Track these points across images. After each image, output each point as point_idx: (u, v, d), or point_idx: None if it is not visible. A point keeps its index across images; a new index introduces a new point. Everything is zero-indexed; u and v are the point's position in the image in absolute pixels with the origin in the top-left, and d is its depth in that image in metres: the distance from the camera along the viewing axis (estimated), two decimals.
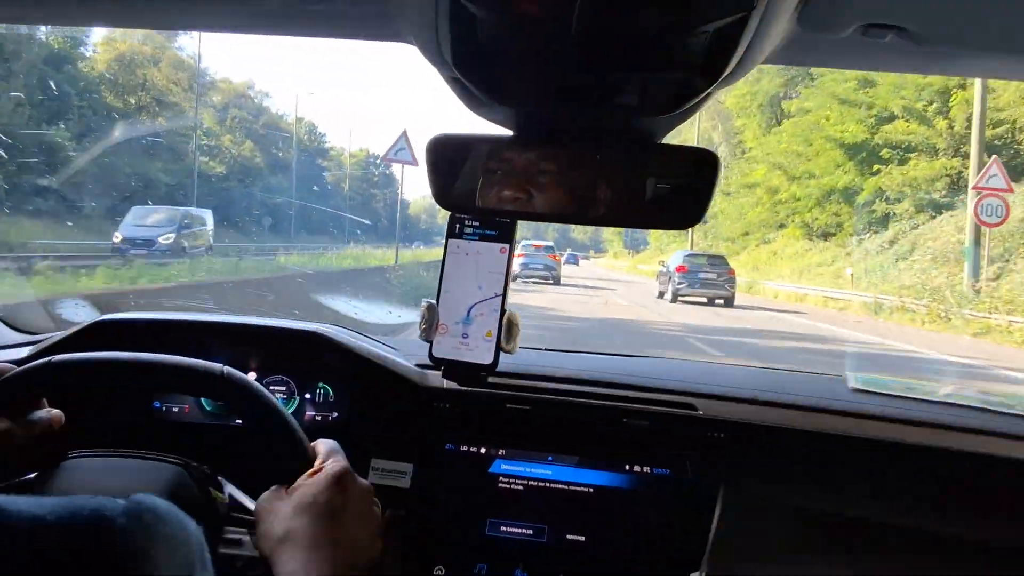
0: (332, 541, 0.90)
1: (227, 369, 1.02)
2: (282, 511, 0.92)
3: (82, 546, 0.43)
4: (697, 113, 0.94)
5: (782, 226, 32.66)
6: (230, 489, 1.11)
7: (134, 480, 1.05)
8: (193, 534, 0.49)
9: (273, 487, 0.97)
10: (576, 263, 56.25)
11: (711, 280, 21.24)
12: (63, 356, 1.02)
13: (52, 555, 0.42)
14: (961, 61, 0.85)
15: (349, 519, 0.94)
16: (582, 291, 23.88)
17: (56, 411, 1.06)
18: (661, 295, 22.33)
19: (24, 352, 1.57)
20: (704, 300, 21.02)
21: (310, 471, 0.97)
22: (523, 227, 1.48)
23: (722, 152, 38.07)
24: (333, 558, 0.89)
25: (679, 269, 21.31)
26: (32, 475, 1.05)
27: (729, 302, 21.03)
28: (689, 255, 23.07)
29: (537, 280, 24.78)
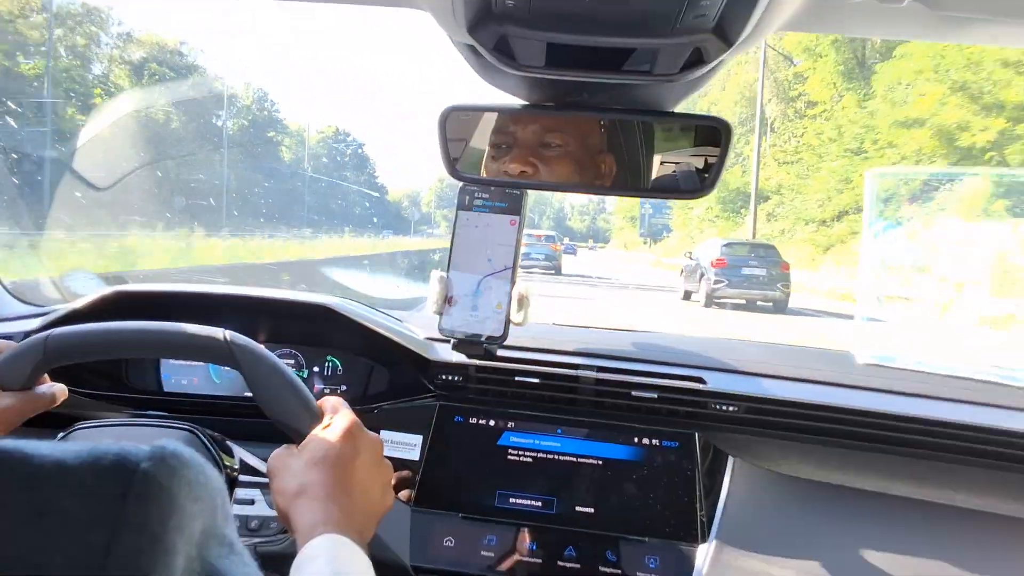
0: (346, 491, 0.91)
1: (230, 333, 1.02)
2: (295, 466, 0.92)
3: (107, 488, 0.43)
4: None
5: None
6: (240, 453, 1.12)
7: (144, 443, 1.05)
8: (215, 481, 0.50)
9: (283, 445, 0.97)
10: (574, 253, 55.14)
11: (759, 278, 16.76)
12: (60, 330, 1.01)
13: (77, 495, 0.42)
14: (978, 27, 0.84)
15: (361, 470, 0.95)
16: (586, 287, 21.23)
17: (60, 385, 1.06)
18: (688, 295, 18.48)
19: (34, 324, 1.58)
20: (743, 302, 17.03)
21: (320, 426, 0.98)
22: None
23: (774, 110, 35.90)
24: (349, 508, 0.90)
25: (717, 264, 16.93)
26: None
27: (781, 306, 16.83)
28: (729, 244, 18.32)
29: (539, 270, 24.45)
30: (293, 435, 0.97)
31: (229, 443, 1.13)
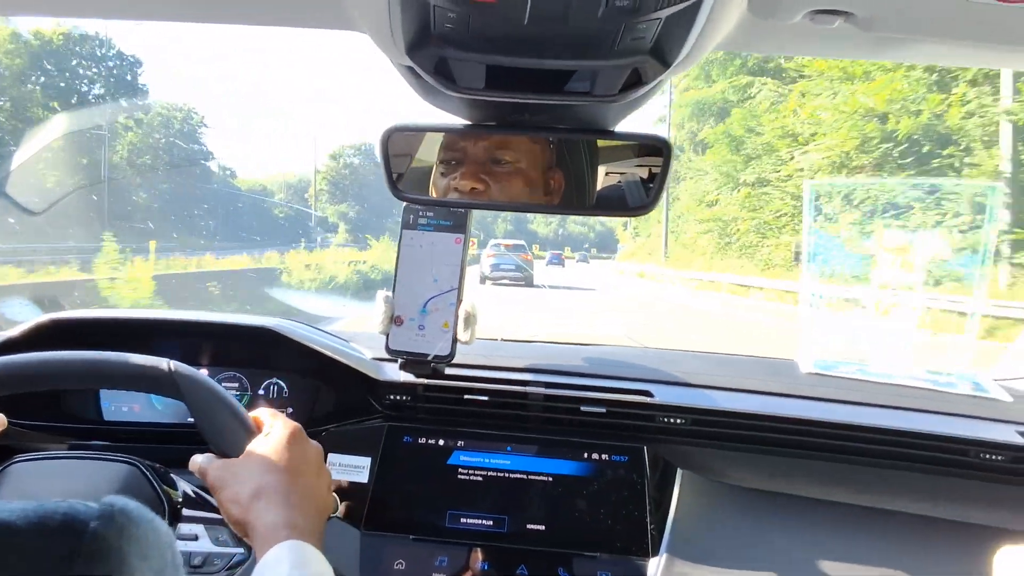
0: (300, 493, 0.93)
1: (174, 363, 1.00)
2: (245, 472, 0.93)
3: (55, 550, 0.42)
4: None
5: None
6: (183, 486, 1.09)
7: (86, 481, 1.02)
8: (165, 535, 0.49)
9: (218, 460, 0.97)
10: (560, 263, 48.96)
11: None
12: (2, 358, 0.98)
13: (25, 558, 0.41)
14: (908, 47, 0.87)
15: (309, 473, 0.97)
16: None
17: None
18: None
19: None
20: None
21: (261, 436, 0.99)
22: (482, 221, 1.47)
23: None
24: (305, 510, 0.91)
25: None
26: None
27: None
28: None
29: (508, 281, 23.38)
30: (228, 451, 0.97)
31: (172, 475, 1.11)
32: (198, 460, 0.98)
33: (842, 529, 1.41)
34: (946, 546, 1.39)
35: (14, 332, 1.53)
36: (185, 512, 1.12)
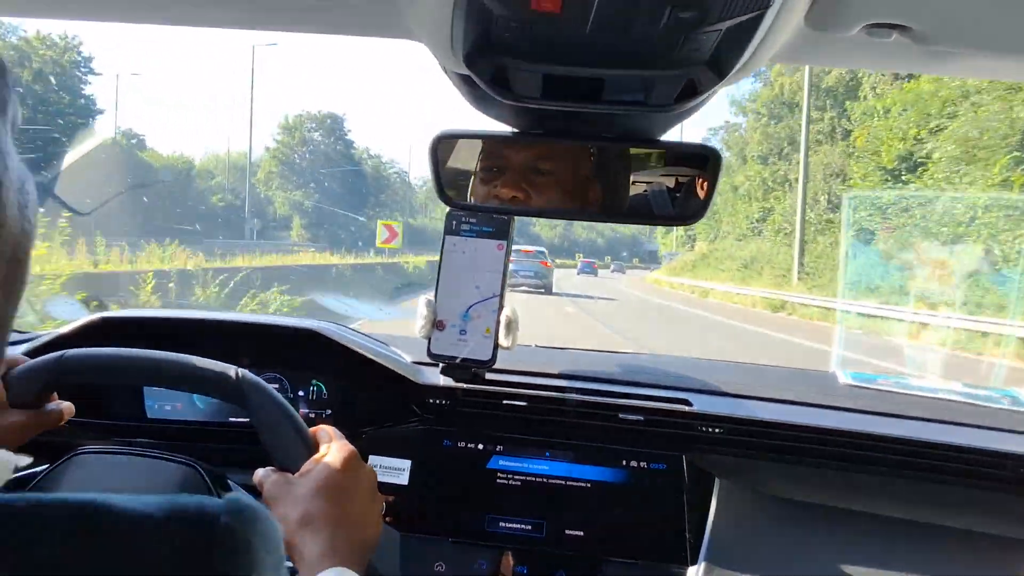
0: (348, 522, 0.92)
1: (242, 371, 1.03)
2: (296, 493, 0.93)
3: (192, 540, 0.44)
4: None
5: None
6: (237, 489, 1.11)
7: (147, 478, 1.05)
8: (280, 533, 0.51)
9: (276, 475, 0.98)
10: (592, 272, 46.80)
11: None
12: (76, 351, 1.02)
13: (165, 549, 0.43)
14: (965, 61, 0.87)
15: (359, 500, 0.97)
16: None
17: (67, 404, 1.06)
18: None
19: (20, 349, 1.56)
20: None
21: (315, 456, 0.99)
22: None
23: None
24: (351, 538, 0.91)
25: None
26: (41, 468, 1.05)
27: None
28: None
29: (527, 288, 22.95)
30: (288, 466, 0.97)
31: (228, 479, 1.12)
32: (259, 473, 0.99)
33: (880, 541, 1.40)
34: (985, 560, 1.38)
35: (66, 329, 1.57)
36: None
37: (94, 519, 0.41)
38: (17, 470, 0.59)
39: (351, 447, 1.01)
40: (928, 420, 1.50)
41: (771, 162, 35.78)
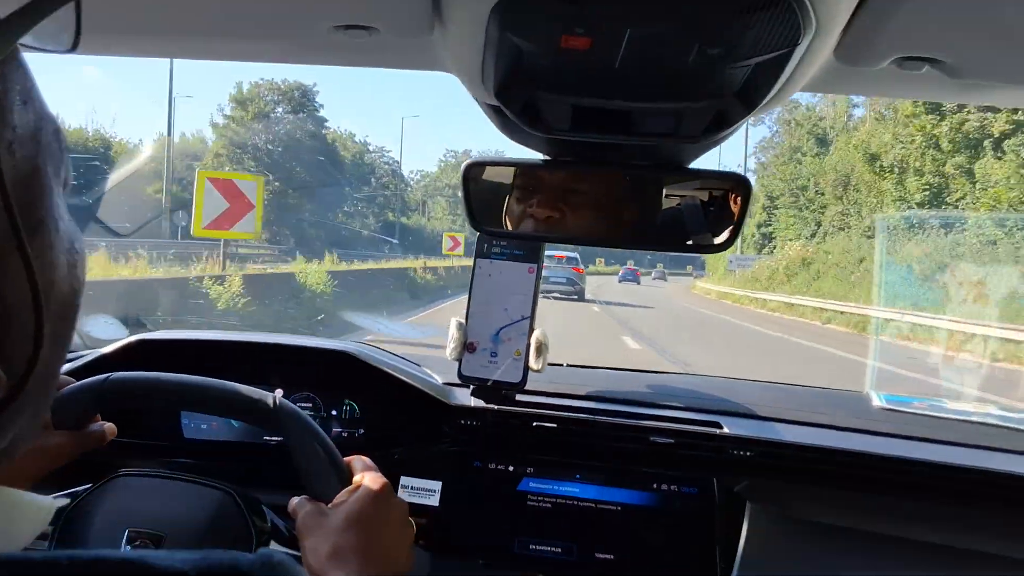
0: (377, 556, 0.92)
1: (279, 399, 1.04)
2: (327, 525, 0.93)
3: None
4: None
5: None
6: (271, 516, 1.13)
7: (184, 503, 1.07)
8: None
9: (310, 505, 0.98)
10: (635, 280, 45.47)
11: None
12: (121, 374, 1.05)
13: None
14: (996, 92, 0.87)
15: (390, 534, 0.97)
16: None
17: (110, 424, 1.08)
18: None
19: (62, 369, 1.60)
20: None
21: (349, 488, 0.99)
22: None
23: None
24: (379, 570, 0.91)
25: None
26: (82, 488, 1.07)
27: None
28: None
29: (558, 295, 22.23)
30: (322, 496, 0.99)
31: (263, 506, 1.14)
32: (294, 502, 1.00)
33: (914, 567, 1.38)
34: None
35: (108, 350, 1.60)
36: (272, 545, 1.14)
37: (132, 573, 0.42)
38: (56, 512, 0.60)
39: (384, 479, 1.01)
40: (963, 445, 1.48)
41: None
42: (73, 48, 0.50)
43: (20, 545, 0.49)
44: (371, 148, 69.19)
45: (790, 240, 34.87)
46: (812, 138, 39.31)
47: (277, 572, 0.48)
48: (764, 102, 0.82)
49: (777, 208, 39.19)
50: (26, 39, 0.44)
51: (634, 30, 0.68)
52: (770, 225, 40.11)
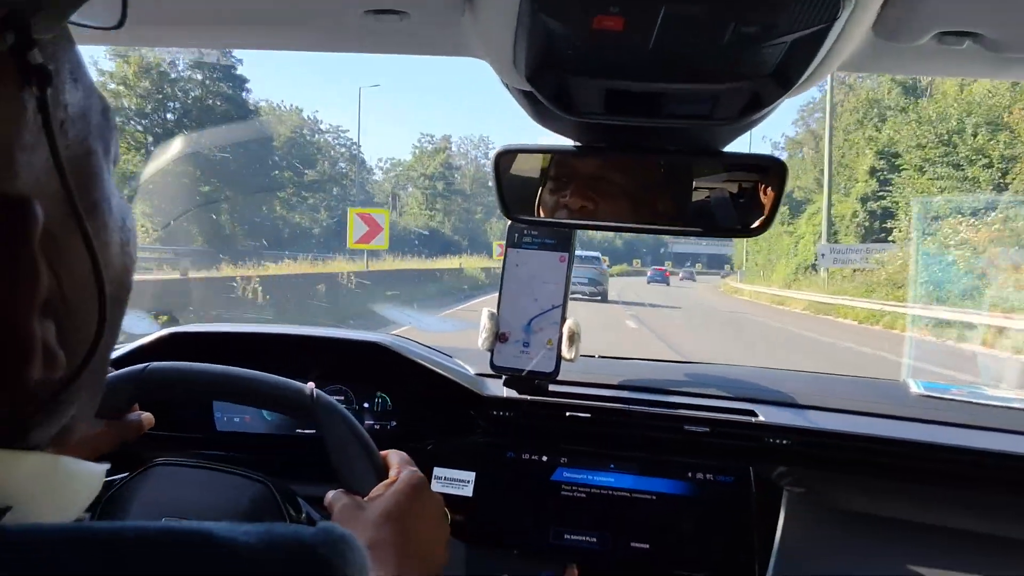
0: (413, 551, 0.92)
1: (316, 391, 1.05)
2: (363, 520, 0.93)
3: (289, 570, 0.44)
4: None
5: None
6: (307, 508, 1.13)
7: (222, 494, 1.07)
8: (367, 562, 0.52)
9: (347, 498, 0.98)
10: (664, 281, 44.29)
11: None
12: (160, 364, 1.06)
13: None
14: None
15: (426, 529, 0.96)
16: None
17: (147, 414, 1.09)
18: None
19: None
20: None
21: (385, 482, 0.99)
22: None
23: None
24: (416, 565, 0.91)
25: None
26: (119, 476, 1.08)
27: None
28: None
29: (581, 296, 21.55)
30: (357, 489, 0.99)
31: (299, 499, 1.14)
32: (330, 495, 0.99)
33: (954, 556, 1.36)
34: None
35: (144, 341, 1.62)
36: None
37: (199, 547, 0.42)
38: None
39: (420, 474, 1.01)
40: (1003, 431, 1.46)
41: None
42: (119, 25, 0.50)
43: (76, 514, 0.49)
44: (324, 127, 58.77)
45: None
46: (898, 87, 32.55)
47: (339, 547, 0.47)
48: (800, 82, 0.81)
49: (901, 171, 26.95)
50: (74, 16, 0.44)
51: (668, 8, 0.67)
52: (883, 198, 28.08)
